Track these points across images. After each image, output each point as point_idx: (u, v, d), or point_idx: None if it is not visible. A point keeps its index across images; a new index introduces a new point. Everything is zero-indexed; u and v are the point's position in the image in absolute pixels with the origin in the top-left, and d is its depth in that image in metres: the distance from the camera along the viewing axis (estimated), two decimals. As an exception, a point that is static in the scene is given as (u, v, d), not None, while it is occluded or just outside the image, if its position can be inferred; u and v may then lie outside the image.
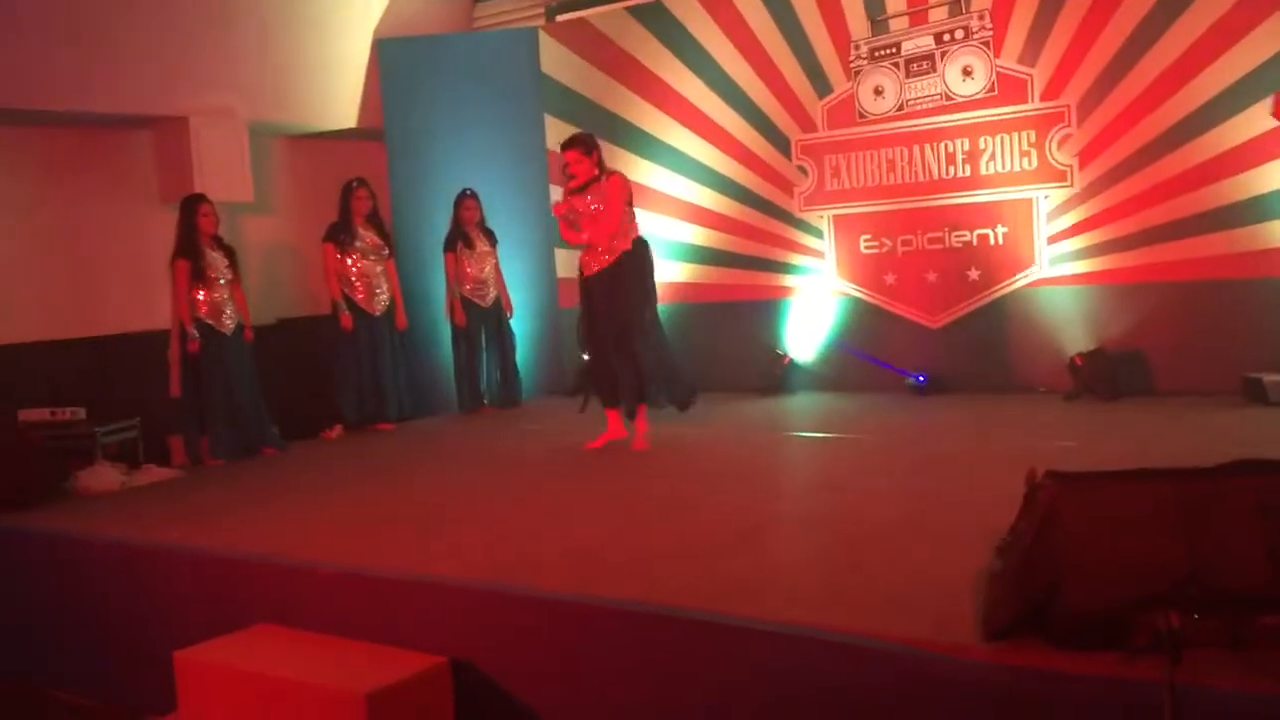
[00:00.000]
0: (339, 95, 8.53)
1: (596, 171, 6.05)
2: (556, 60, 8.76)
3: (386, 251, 7.75)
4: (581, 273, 6.18)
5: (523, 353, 8.38)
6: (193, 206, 6.82)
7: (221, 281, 6.83)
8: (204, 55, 7.57)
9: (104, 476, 6.06)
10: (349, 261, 7.58)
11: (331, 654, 3.76)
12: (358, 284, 7.60)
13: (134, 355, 7.29)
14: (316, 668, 3.64)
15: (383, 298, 7.71)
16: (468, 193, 8.01)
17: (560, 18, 8.91)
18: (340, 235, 7.57)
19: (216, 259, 6.82)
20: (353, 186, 7.65)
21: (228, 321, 6.84)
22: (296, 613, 4.08)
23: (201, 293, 6.74)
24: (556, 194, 8.71)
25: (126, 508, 5.51)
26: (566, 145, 6.13)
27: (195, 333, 6.67)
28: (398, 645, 3.74)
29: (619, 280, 6.01)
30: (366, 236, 7.64)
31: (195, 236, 6.77)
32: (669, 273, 8.39)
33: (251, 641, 4.00)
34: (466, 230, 7.95)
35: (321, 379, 7.62)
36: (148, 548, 4.66)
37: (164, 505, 5.50)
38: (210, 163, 7.55)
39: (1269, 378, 5.98)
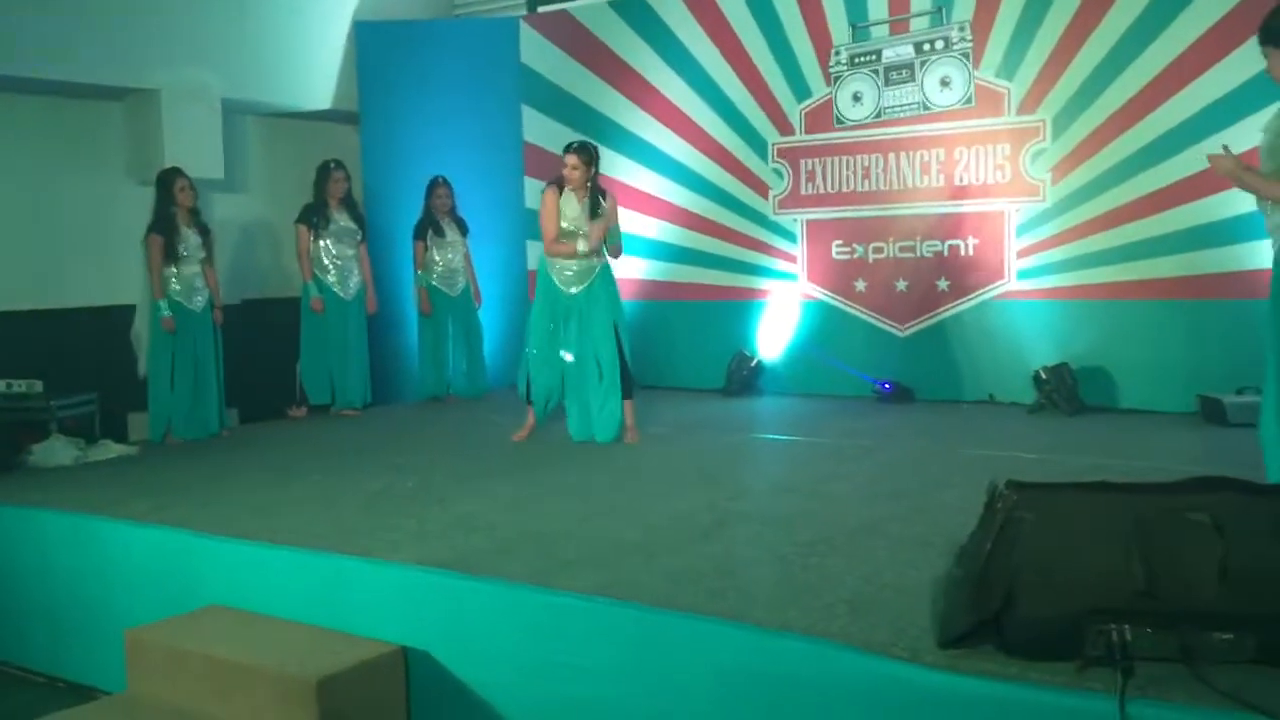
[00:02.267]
0: (315, 76, 8.45)
1: (588, 184, 6.01)
2: (536, 51, 8.73)
3: (360, 235, 7.68)
4: (561, 288, 6.07)
5: (490, 343, 8.35)
6: (170, 180, 6.68)
7: (194, 260, 6.74)
8: (180, 28, 7.47)
9: (59, 451, 5.98)
10: (322, 244, 7.51)
11: (283, 638, 3.72)
12: (330, 266, 7.54)
13: (94, 329, 7.20)
14: (267, 651, 3.61)
15: (354, 281, 7.64)
16: (440, 180, 7.96)
17: (542, 9, 8.87)
18: (314, 217, 7.49)
19: (190, 236, 6.71)
20: (330, 168, 7.54)
21: (198, 300, 6.76)
22: (250, 594, 4.04)
23: (174, 269, 6.64)
24: (531, 185, 8.74)
25: (81, 483, 5.43)
26: (577, 149, 5.99)
27: (168, 310, 6.58)
28: (351, 631, 3.72)
29: (614, 288, 6.15)
30: (340, 219, 7.57)
31: (171, 212, 6.66)
32: (640, 270, 8.39)
33: (203, 622, 3.97)
34: (437, 218, 7.90)
35: (287, 360, 7.55)
36: (101, 524, 4.60)
37: (120, 482, 5.43)
38: (181, 138, 7.44)
39: (1229, 399, 6.05)
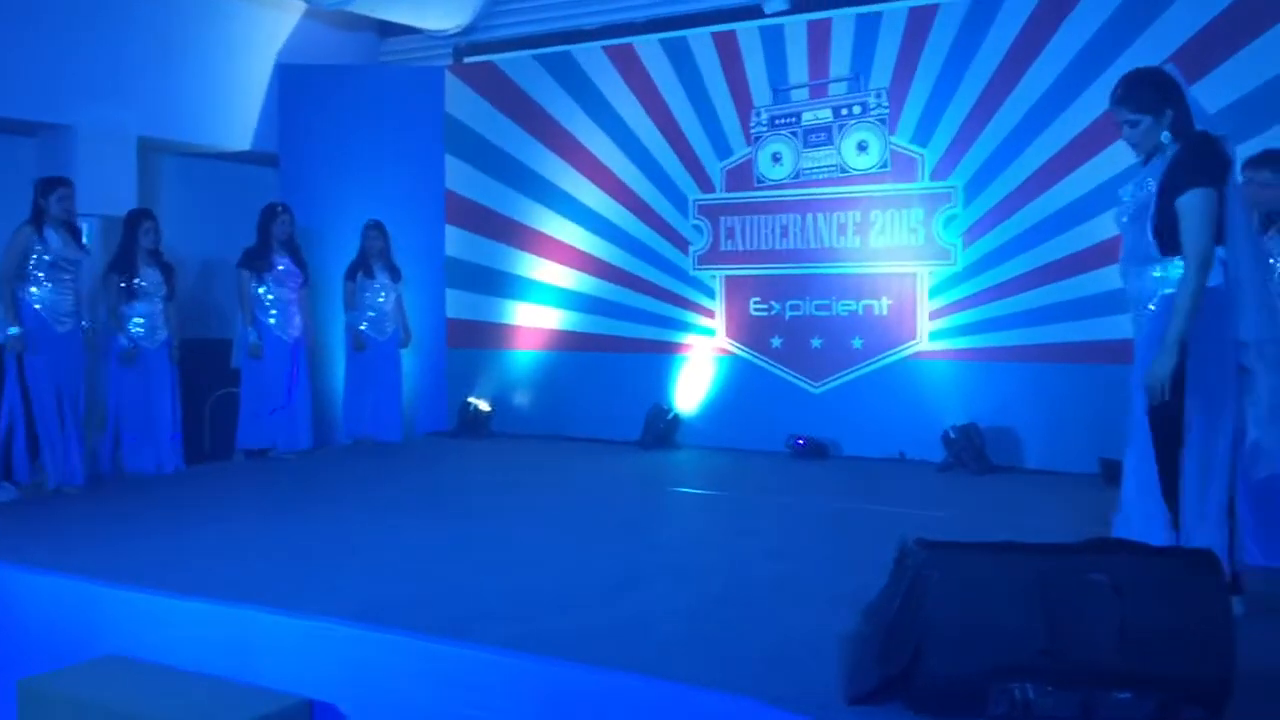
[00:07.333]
0: (235, 116, 8.38)
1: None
2: (461, 101, 8.76)
3: (302, 278, 7.61)
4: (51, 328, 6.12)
5: (407, 389, 8.28)
6: (135, 222, 6.76)
7: (155, 296, 6.77)
8: (95, 64, 7.37)
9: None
10: (264, 287, 7.42)
11: (183, 690, 3.61)
12: (272, 310, 7.45)
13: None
14: (165, 704, 3.51)
15: (296, 323, 7.56)
16: (371, 223, 7.96)
17: (468, 59, 8.92)
18: (256, 260, 7.41)
19: (150, 274, 6.76)
20: (276, 210, 7.51)
21: (158, 337, 6.80)
22: (151, 644, 3.92)
23: (135, 306, 6.70)
24: (452, 233, 8.74)
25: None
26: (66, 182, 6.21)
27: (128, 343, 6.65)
28: (256, 684, 3.63)
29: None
30: (282, 262, 7.50)
31: (132, 251, 6.70)
32: (557, 320, 8.42)
33: (101, 672, 3.83)
34: (369, 261, 7.89)
35: (204, 401, 7.40)
36: (-5, 569, 4.44)
37: (20, 526, 5.25)
38: (94, 175, 7.30)
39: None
